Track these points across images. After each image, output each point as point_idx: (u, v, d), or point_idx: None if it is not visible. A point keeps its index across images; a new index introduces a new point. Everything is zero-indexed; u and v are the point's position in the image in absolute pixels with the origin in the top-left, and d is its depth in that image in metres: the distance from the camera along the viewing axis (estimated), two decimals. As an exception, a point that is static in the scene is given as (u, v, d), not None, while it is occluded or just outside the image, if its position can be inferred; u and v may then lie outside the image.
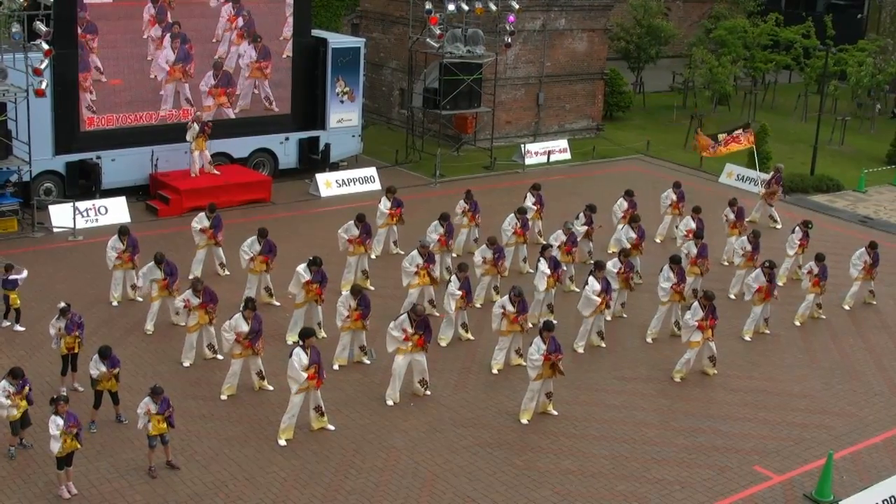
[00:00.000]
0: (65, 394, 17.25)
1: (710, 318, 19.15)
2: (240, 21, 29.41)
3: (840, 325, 22.73)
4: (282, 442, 16.39)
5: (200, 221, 22.36)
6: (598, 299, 19.89)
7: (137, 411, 15.17)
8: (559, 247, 22.54)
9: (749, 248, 23.28)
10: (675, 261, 20.99)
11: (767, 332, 21.81)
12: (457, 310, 20.08)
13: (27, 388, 15.57)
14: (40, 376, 17.61)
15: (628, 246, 23.30)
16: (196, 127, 27.66)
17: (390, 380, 17.91)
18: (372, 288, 22.41)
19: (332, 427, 16.86)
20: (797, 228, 24.61)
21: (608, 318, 21.22)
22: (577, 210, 25.21)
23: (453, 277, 20.02)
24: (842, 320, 22.97)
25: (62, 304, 17.44)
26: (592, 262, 23.89)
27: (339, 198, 29.50)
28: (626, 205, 25.52)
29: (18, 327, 19.76)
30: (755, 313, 21.57)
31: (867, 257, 23.39)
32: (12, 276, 19.59)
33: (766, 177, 30.01)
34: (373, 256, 23.85)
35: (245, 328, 17.33)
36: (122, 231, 21.18)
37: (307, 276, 19.45)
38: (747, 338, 21.50)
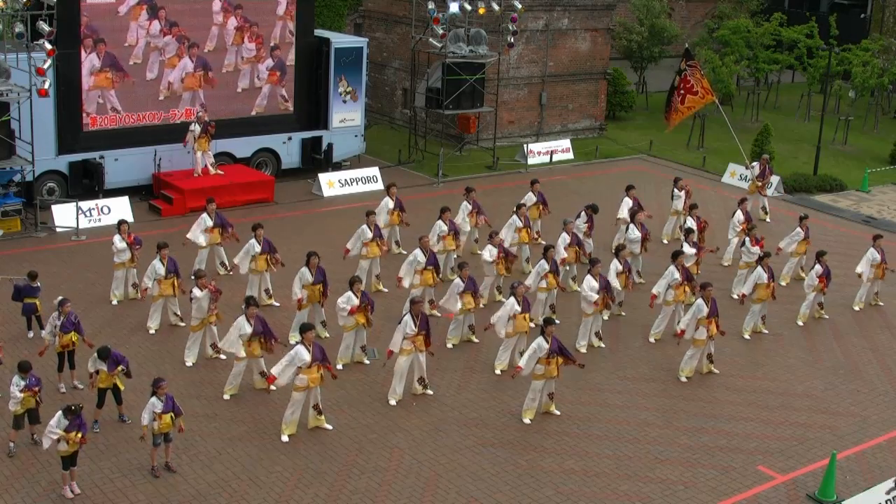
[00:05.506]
0: (63, 390, 17.37)
1: (714, 314, 19.11)
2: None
3: (843, 324, 22.68)
4: (284, 438, 16.39)
5: (204, 223, 22.23)
6: (597, 296, 19.85)
7: (143, 415, 15.06)
8: (566, 248, 22.53)
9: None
10: (677, 257, 20.91)
11: (765, 331, 21.78)
12: (463, 312, 20.04)
13: (39, 388, 15.60)
14: (43, 375, 17.54)
15: (637, 244, 23.26)
16: (198, 127, 27.65)
17: (392, 379, 17.91)
18: (385, 290, 22.39)
19: (329, 427, 16.84)
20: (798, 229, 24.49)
21: (605, 317, 21.18)
22: (579, 209, 25.05)
23: (457, 279, 20.00)
24: (845, 320, 22.92)
25: (59, 298, 17.43)
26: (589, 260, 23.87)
27: (342, 198, 29.49)
28: (631, 203, 25.48)
29: (44, 333, 19.34)
30: (754, 311, 21.54)
31: (877, 255, 23.22)
32: (35, 284, 19.30)
33: (756, 170, 29.82)
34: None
35: (248, 329, 17.31)
36: (121, 223, 21.19)
37: (310, 278, 19.41)
38: (746, 336, 21.46)
